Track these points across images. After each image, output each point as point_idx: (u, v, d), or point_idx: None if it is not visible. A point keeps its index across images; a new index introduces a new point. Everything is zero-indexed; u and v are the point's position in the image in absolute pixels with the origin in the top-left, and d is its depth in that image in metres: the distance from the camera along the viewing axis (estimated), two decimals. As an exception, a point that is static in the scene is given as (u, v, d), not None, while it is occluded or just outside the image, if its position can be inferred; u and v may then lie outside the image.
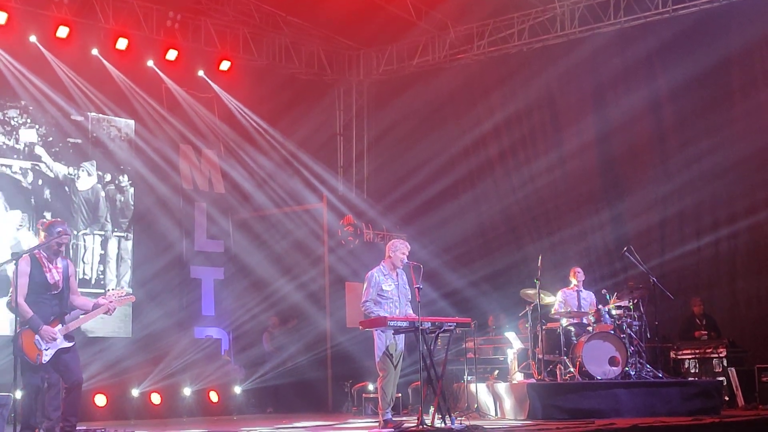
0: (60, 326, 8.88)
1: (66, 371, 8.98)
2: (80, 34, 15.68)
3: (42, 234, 9.07)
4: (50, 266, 8.98)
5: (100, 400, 14.39)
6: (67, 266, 9.15)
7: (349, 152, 20.15)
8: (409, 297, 11.00)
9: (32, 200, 15.42)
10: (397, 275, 10.94)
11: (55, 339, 8.79)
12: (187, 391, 15.43)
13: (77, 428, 9.21)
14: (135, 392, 14.90)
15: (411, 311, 10.90)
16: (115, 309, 9.30)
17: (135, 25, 16.15)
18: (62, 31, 15.33)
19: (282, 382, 16.55)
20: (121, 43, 16.04)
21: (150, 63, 16.69)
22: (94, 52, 15.98)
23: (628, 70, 17.20)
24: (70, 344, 8.95)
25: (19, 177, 15.31)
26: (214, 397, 15.75)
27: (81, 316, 9.19)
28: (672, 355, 15.51)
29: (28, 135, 15.45)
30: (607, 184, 17.75)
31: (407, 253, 10.87)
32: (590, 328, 13.56)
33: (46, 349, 8.77)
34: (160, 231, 16.74)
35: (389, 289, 10.79)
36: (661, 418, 11.65)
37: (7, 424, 9.31)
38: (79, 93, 15.80)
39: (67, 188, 15.85)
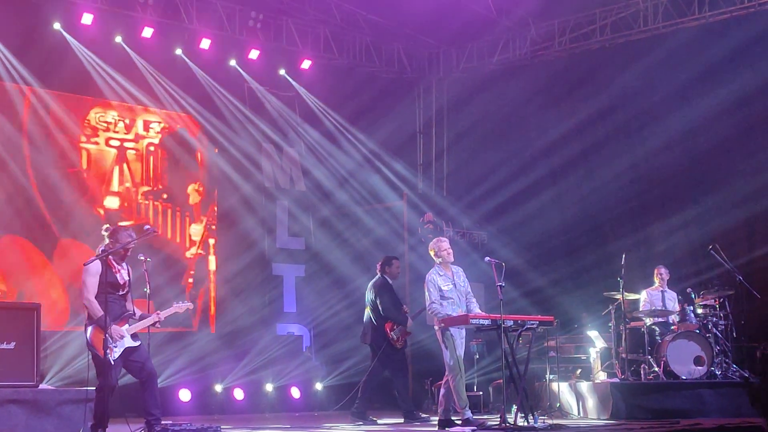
0: (127, 326, 9.10)
1: (137, 367, 9.22)
2: (164, 35, 15.93)
3: (107, 239, 9.31)
4: (119, 267, 9.26)
5: (185, 395, 14.63)
6: (128, 269, 9.41)
7: (429, 150, 20.12)
8: (469, 291, 10.98)
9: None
10: (452, 274, 10.92)
11: (122, 337, 9.01)
12: (269, 387, 15.60)
13: (162, 422, 9.39)
14: (218, 388, 15.11)
15: (475, 308, 10.86)
16: (163, 320, 9.48)
17: (218, 26, 16.34)
18: (147, 32, 15.60)
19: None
20: (205, 43, 16.26)
21: (233, 63, 16.88)
22: (178, 52, 16.22)
23: (713, 65, 16.87)
24: (137, 343, 9.17)
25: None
26: (295, 393, 15.89)
27: (141, 322, 9.35)
28: (758, 354, 15.20)
29: (110, 131, 15.77)
30: (692, 182, 17.45)
31: (449, 247, 10.91)
32: (674, 327, 13.39)
33: (115, 346, 8.98)
34: (243, 228, 16.94)
35: (447, 288, 10.80)
36: (748, 419, 11.44)
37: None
38: (164, 92, 16.04)
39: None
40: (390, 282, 12.80)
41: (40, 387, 9.96)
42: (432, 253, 11.03)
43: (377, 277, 12.92)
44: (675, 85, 17.40)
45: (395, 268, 12.89)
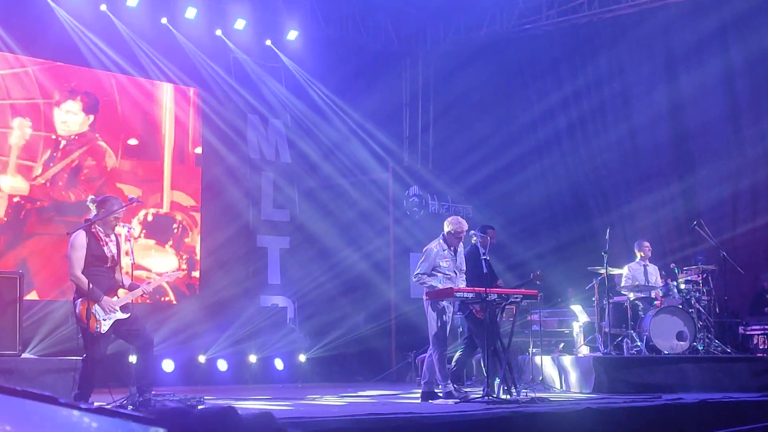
0: (116, 298, 9.01)
1: (131, 335, 9.11)
2: (150, 3, 15.80)
3: (95, 209, 9.09)
4: (106, 240, 9.04)
5: (168, 365, 14.63)
6: (118, 241, 9.22)
7: (415, 123, 20.07)
8: (464, 269, 10.91)
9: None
10: (454, 251, 10.86)
11: (114, 311, 8.90)
12: (253, 359, 15.61)
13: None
14: (202, 359, 15.11)
15: (461, 283, 10.83)
16: (151, 290, 9.45)
17: (204, -6, 16.25)
18: (132, 0, 15.47)
19: (346, 352, 16.65)
20: (190, 13, 16.15)
21: (219, 32, 16.77)
22: (164, 21, 16.10)
23: (701, 41, 16.86)
24: (127, 315, 9.05)
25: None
26: (279, 364, 15.90)
27: (130, 293, 9.25)
28: (741, 330, 15.27)
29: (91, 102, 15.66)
30: (678, 158, 17.50)
31: (464, 234, 10.80)
32: (657, 303, 13.44)
33: (105, 320, 8.89)
34: (228, 200, 16.85)
35: (446, 265, 10.72)
36: (730, 393, 11.49)
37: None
38: (149, 61, 15.92)
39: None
40: (482, 250, 11.07)
41: (22, 356, 9.93)
42: (447, 228, 10.78)
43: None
44: (662, 60, 17.39)
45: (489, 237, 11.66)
